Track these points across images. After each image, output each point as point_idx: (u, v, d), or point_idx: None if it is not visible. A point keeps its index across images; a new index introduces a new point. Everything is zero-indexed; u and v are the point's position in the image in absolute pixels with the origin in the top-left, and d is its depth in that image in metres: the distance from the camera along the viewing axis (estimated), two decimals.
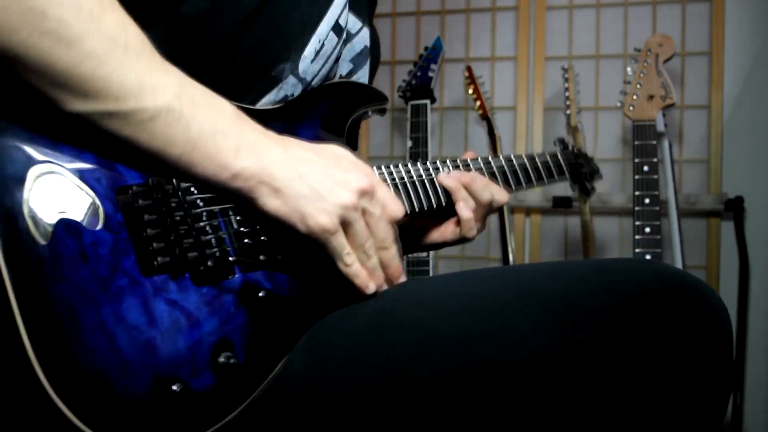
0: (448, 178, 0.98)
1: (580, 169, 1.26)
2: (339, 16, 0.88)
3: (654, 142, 1.83)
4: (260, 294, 0.70)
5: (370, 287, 0.76)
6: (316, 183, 0.71)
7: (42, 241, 0.58)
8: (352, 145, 0.96)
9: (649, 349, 0.68)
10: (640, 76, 1.88)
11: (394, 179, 0.94)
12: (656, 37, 1.90)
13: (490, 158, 1.06)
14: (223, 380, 0.66)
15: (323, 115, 0.88)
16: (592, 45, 2.38)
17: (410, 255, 2.13)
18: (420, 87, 2.21)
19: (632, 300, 0.70)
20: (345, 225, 0.73)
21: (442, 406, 0.71)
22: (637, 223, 1.81)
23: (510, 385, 0.70)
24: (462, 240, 1.01)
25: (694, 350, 0.69)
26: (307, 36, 0.84)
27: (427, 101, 2.20)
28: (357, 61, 1.00)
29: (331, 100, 0.90)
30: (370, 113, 0.97)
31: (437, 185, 0.98)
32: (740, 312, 2.16)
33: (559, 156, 1.20)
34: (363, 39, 0.99)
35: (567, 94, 2.15)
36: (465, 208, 0.97)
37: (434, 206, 0.97)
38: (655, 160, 1.82)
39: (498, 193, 1.00)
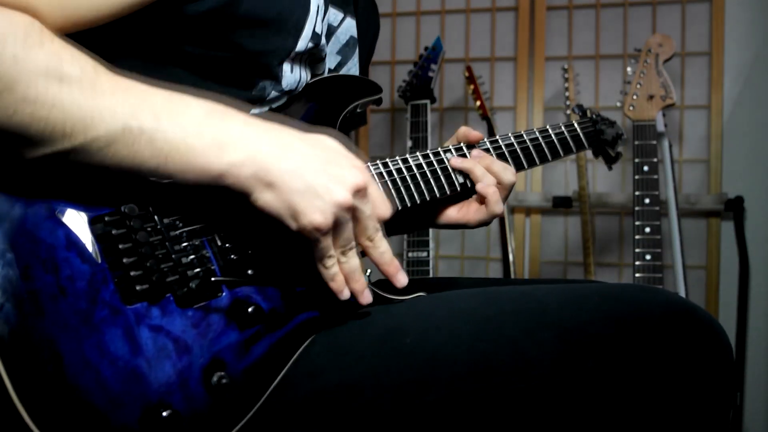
0: (463, 160, 0.95)
1: (600, 136, 1.13)
2: (315, 25, 0.85)
3: (654, 142, 1.83)
4: (249, 309, 0.69)
5: (344, 293, 0.72)
6: (312, 179, 0.66)
7: (18, 281, 0.57)
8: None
9: (654, 376, 0.69)
10: (640, 76, 1.87)
11: (402, 172, 0.90)
12: (656, 37, 1.90)
13: (498, 138, 1.00)
14: (218, 400, 0.65)
15: (310, 116, 0.86)
16: (592, 45, 2.38)
17: (410, 255, 2.13)
18: (420, 87, 2.21)
19: (638, 329, 0.70)
20: (335, 224, 0.69)
21: (445, 431, 0.70)
22: (637, 223, 1.81)
23: (515, 411, 0.69)
24: (489, 219, 0.97)
25: (698, 376, 0.69)
26: (286, 56, 0.82)
27: (427, 101, 2.20)
28: (344, 53, 0.97)
29: (318, 99, 0.87)
30: (359, 108, 0.93)
31: (451, 170, 0.94)
32: (740, 312, 2.16)
33: (577, 127, 1.09)
34: (347, 30, 0.96)
35: (567, 94, 2.15)
36: (488, 185, 0.94)
37: (448, 193, 0.94)
38: (655, 160, 1.82)
39: (514, 175, 0.98)
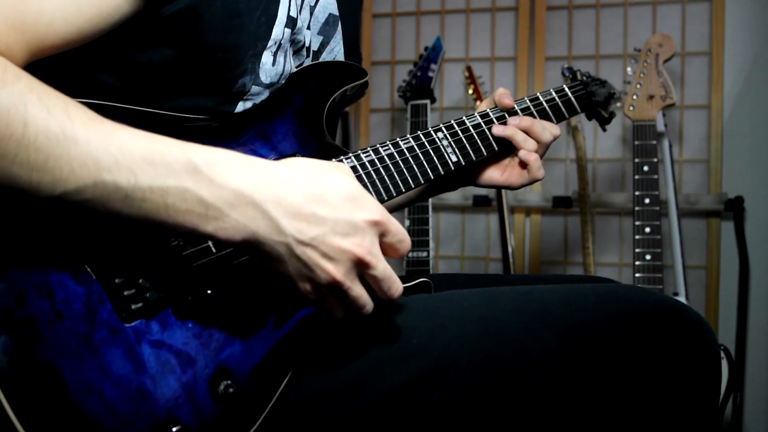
0: (504, 128, 0.96)
1: (592, 98, 1.10)
2: (289, 9, 0.82)
3: (654, 142, 1.83)
4: (252, 315, 0.68)
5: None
6: (303, 254, 0.60)
7: (12, 308, 0.55)
8: (332, 130, 0.92)
9: (646, 371, 0.71)
10: (640, 76, 1.87)
11: (402, 151, 0.88)
12: (656, 37, 1.90)
13: (489, 111, 1.00)
14: (226, 409, 0.64)
15: (297, 108, 0.83)
16: (592, 45, 2.38)
17: (410, 255, 2.12)
18: (420, 87, 2.21)
19: (632, 327, 0.72)
20: (333, 292, 0.64)
21: (446, 430, 0.71)
22: (637, 223, 1.81)
23: (518, 408, 0.71)
24: (530, 183, 1.00)
25: (686, 371, 0.72)
26: (261, 46, 0.79)
27: (427, 101, 2.20)
28: (325, 32, 0.94)
29: (303, 89, 0.84)
30: (348, 92, 0.90)
31: (449, 150, 0.93)
32: (740, 312, 2.16)
33: (568, 92, 1.06)
34: (325, 8, 0.92)
35: None
36: (529, 153, 0.96)
37: (452, 169, 0.93)
38: (655, 160, 1.82)
39: (553, 129, 1.00)
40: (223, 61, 0.77)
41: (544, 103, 1.03)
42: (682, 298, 1.93)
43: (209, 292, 0.67)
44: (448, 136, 0.94)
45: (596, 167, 2.36)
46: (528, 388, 0.70)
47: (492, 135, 0.96)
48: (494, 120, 0.99)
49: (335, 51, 0.96)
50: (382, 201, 0.85)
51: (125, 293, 0.62)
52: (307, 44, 0.90)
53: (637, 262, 1.79)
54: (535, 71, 2.39)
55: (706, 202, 2.21)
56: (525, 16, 2.41)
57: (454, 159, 0.93)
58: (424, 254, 2.12)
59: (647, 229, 1.80)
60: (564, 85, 1.08)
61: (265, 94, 0.83)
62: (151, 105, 0.71)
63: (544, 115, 1.03)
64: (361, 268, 0.63)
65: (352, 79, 0.88)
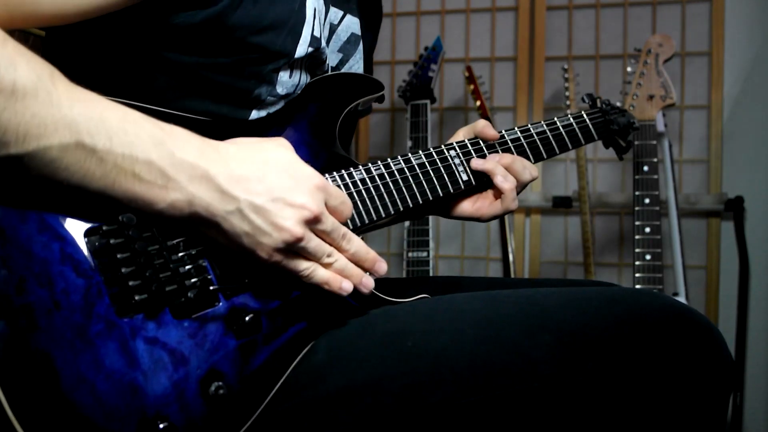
0: (483, 161, 0.93)
1: (610, 126, 1.08)
2: (313, 29, 0.84)
3: (654, 142, 1.83)
4: (247, 318, 0.68)
5: (344, 286, 0.71)
6: (257, 218, 0.65)
7: (12, 295, 0.56)
8: (346, 142, 0.93)
9: (652, 377, 0.69)
10: (640, 76, 1.87)
11: (413, 167, 0.88)
12: (656, 37, 1.90)
13: (504, 132, 0.97)
14: (215, 411, 0.65)
15: (312, 117, 0.84)
16: (592, 45, 2.38)
17: (410, 255, 2.13)
18: (420, 87, 2.21)
19: (637, 331, 0.71)
20: (291, 251, 0.68)
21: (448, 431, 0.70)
22: (637, 223, 1.81)
23: (517, 412, 0.70)
24: (502, 214, 0.97)
25: (695, 378, 0.70)
26: (282, 62, 0.81)
27: (427, 101, 2.19)
28: (346, 50, 0.95)
29: (319, 98, 0.85)
30: (361, 106, 0.90)
31: (455, 168, 0.92)
32: (740, 312, 2.16)
33: (587, 119, 1.04)
34: (348, 27, 0.94)
35: (567, 94, 2.14)
36: (505, 182, 0.93)
37: (462, 188, 0.92)
38: (655, 160, 1.82)
39: (534, 170, 0.96)
40: (243, 71, 0.79)
41: (560, 128, 1.01)
42: (682, 298, 1.93)
43: (210, 289, 0.67)
44: (460, 154, 0.94)
45: (596, 167, 2.36)
46: (528, 392, 0.69)
47: (470, 168, 0.94)
48: (508, 142, 0.97)
49: (354, 69, 0.97)
50: (388, 215, 0.86)
51: (125, 288, 0.62)
52: (328, 62, 0.90)
53: (637, 262, 1.79)
54: (535, 71, 2.39)
55: (706, 202, 2.21)
56: (525, 16, 2.41)
57: (465, 178, 0.93)
58: (424, 254, 2.12)
59: (647, 229, 1.80)
60: (583, 112, 1.06)
61: (280, 104, 0.84)
62: (161, 105, 0.72)
63: (560, 140, 1.01)
64: (312, 223, 0.68)
65: (368, 92, 0.89)
